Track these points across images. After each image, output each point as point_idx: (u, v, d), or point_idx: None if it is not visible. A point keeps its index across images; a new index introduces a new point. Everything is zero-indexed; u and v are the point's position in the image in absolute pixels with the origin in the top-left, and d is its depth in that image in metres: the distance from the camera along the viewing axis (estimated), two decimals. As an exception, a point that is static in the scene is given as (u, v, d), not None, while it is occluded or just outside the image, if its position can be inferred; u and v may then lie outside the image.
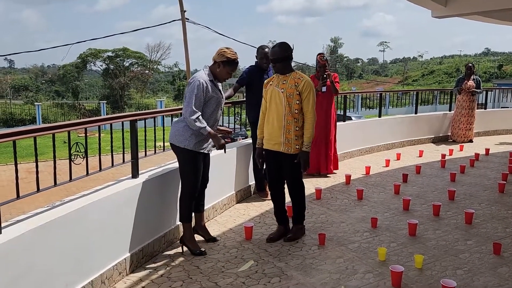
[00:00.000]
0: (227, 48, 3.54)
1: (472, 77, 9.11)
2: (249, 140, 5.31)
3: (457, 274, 3.21)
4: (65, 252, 2.58)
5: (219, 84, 3.64)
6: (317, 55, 6.14)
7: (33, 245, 2.35)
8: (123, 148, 3.30)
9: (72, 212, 2.63)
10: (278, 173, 3.83)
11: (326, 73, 6.02)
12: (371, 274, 3.20)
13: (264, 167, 3.99)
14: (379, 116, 8.60)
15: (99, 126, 2.95)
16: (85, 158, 2.83)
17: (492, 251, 3.58)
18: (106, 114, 32.91)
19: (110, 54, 48.73)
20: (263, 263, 3.39)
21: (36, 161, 2.53)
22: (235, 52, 3.56)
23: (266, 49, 4.85)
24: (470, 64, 9.26)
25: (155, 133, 3.80)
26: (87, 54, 48.87)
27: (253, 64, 5.14)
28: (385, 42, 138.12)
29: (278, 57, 3.63)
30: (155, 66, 54.50)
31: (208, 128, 3.40)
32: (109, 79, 48.07)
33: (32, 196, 2.60)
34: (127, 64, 50.63)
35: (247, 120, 5.34)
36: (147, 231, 3.43)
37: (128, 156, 3.45)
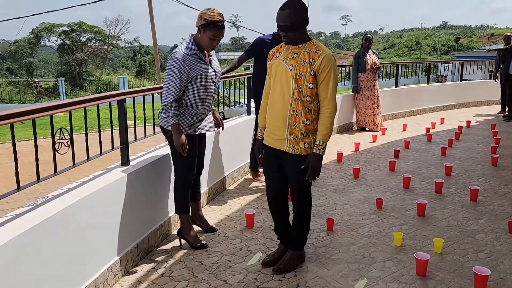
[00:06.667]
0: (208, 9, 2.95)
1: (371, 51, 7.55)
2: (245, 117, 4.91)
3: (479, 258, 3.03)
4: (53, 260, 2.17)
5: (212, 56, 3.14)
6: None
7: (17, 256, 1.92)
8: (112, 133, 2.84)
9: (60, 213, 2.20)
10: (280, 179, 2.81)
11: None
12: (391, 262, 2.96)
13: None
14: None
15: (84, 108, 2.49)
16: (70, 147, 2.38)
17: (507, 230, 3.43)
18: (65, 92, 31.26)
19: (65, 28, 46.41)
20: (272, 255, 3.08)
21: (15, 154, 2.05)
22: (219, 13, 2.91)
23: None
24: (369, 35, 7.69)
25: (144, 113, 3.34)
26: (41, 29, 46.36)
27: (273, 32, 4.34)
28: (347, 15, 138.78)
29: (293, 23, 2.50)
30: (114, 41, 52.35)
31: (173, 121, 2.88)
32: (65, 55, 45.83)
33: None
34: (84, 39, 48.45)
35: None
36: (140, 224, 3.03)
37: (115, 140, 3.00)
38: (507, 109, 8.90)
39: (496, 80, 9.27)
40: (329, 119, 2.58)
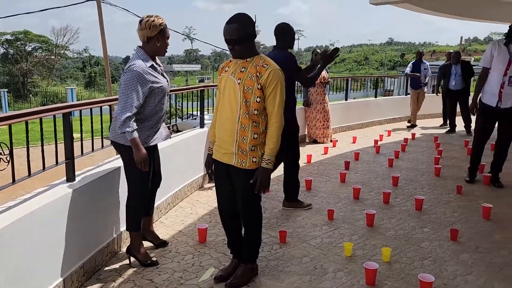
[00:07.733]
0: (149, 16, 2.90)
1: None
2: (198, 130, 4.88)
3: (424, 265, 3.15)
4: (-11, 283, 2.03)
5: (160, 66, 3.09)
6: None
7: None
8: (56, 147, 2.72)
9: (-3, 232, 2.06)
10: (231, 193, 2.79)
11: None
12: (342, 273, 3.02)
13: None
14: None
15: (26, 122, 2.37)
16: (10, 162, 2.25)
17: (449, 238, 3.59)
18: (8, 104, 29.75)
19: (8, 37, 44.38)
20: (225, 270, 3.05)
21: None
22: (157, 15, 2.93)
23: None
24: (318, 50, 7.45)
25: (92, 126, 3.23)
26: (-19, 37, 43.95)
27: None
28: (300, 30, 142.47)
29: (239, 37, 2.51)
30: (62, 51, 50.63)
31: (133, 135, 2.77)
32: (9, 64, 43.73)
33: None
34: (29, 49, 46.52)
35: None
36: (87, 243, 2.91)
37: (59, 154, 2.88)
38: (448, 122, 9.39)
39: (438, 94, 9.77)
40: (276, 133, 2.59)
